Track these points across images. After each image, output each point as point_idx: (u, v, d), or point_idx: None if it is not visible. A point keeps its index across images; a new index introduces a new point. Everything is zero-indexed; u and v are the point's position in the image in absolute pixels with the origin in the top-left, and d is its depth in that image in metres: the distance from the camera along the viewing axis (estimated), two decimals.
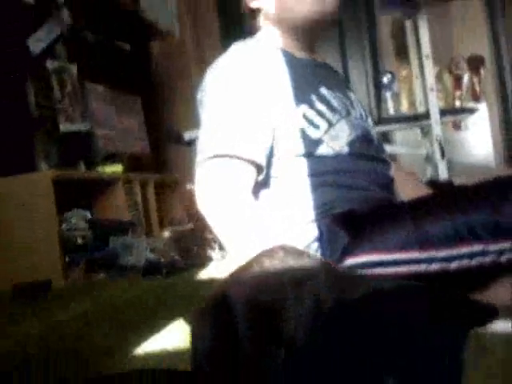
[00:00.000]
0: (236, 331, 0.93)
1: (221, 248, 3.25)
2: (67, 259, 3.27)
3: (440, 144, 3.11)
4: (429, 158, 3.55)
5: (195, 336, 1.03)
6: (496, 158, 4.41)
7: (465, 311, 0.73)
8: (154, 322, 1.91)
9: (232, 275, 1.02)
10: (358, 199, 1.75)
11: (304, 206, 1.68)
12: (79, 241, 3.47)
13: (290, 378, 0.84)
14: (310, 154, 1.62)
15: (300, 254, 1.04)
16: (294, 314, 0.85)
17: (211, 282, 2.62)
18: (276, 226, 1.68)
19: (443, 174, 3.04)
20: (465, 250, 1.57)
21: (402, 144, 4.29)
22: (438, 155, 3.11)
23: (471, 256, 1.57)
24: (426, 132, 3.60)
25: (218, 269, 2.93)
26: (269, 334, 0.88)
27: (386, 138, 4.10)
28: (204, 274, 2.89)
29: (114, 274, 3.36)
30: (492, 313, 0.70)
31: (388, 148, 1.93)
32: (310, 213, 1.68)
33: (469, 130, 4.49)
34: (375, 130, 1.92)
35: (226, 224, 1.42)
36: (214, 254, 3.15)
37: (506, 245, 1.56)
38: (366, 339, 0.73)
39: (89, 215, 3.62)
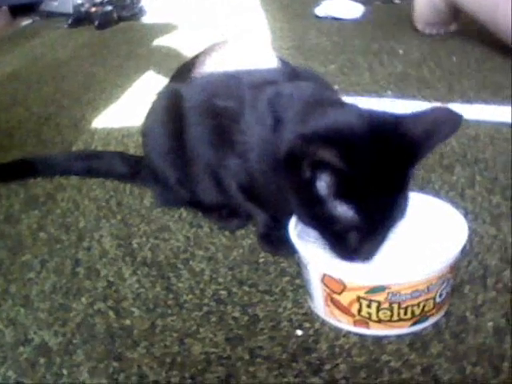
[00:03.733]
0: (183, 126, 0.93)
1: None
2: None
3: None
4: None
5: (146, 133, 1.02)
6: None
7: None
8: (96, 86, 1.86)
9: (183, 74, 0.97)
10: None
11: None
12: None
13: (243, 183, 0.87)
14: None
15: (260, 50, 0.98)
16: (249, 121, 0.84)
17: (152, 35, 2.49)
18: None
19: None
20: None
21: None
22: None
23: None
24: None
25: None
26: (222, 137, 0.88)
27: None
28: (140, 27, 2.73)
29: (39, 21, 3.13)
30: None
31: None
32: None
33: None
34: None
35: None
36: (149, 3, 2.93)
37: None
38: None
39: None
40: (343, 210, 0.69)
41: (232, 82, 0.90)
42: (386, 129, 0.71)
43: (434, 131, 0.70)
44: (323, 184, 0.69)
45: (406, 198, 0.73)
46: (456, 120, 0.72)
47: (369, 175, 0.68)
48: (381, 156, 0.69)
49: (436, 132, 0.70)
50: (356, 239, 0.71)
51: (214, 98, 0.90)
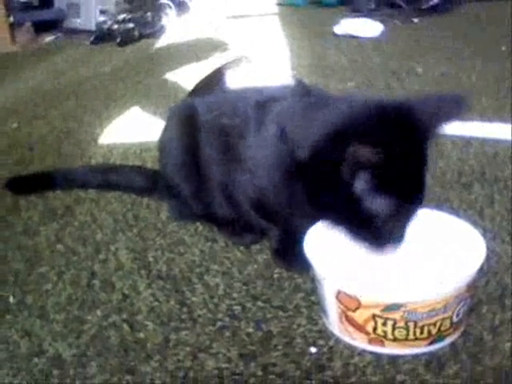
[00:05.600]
0: (198, 141, 0.94)
1: (178, 14, 3.06)
2: (12, 20, 3.05)
3: None
4: None
5: (162, 147, 1.03)
6: None
7: None
8: (116, 102, 1.88)
9: (200, 89, 0.98)
10: None
11: None
12: None
13: (254, 200, 0.88)
14: None
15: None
16: (255, 137, 0.84)
17: (170, 53, 2.53)
18: None
19: None
20: None
21: None
22: None
23: None
24: None
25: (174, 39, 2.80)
26: (230, 155, 0.89)
27: None
28: (160, 45, 2.77)
29: (62, 37, 3.20)
30: None
31: None
32: None
33: None
34: None
35: None
36: (169, 22, 2.97)
37: None
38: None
39: None
40: (380, 202, 0.71)
41: (238, 100, 0.92)
42: (396, 115, 0.74)
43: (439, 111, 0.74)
44: (361, 182, 0.71)
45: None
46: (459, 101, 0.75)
47: (399, 164, 0.70)
48: (400, 142, 0.71)
49: (441, 112, 0.74)
50: (391, 224, 0.73)
51: (221, 116, 0.92)
